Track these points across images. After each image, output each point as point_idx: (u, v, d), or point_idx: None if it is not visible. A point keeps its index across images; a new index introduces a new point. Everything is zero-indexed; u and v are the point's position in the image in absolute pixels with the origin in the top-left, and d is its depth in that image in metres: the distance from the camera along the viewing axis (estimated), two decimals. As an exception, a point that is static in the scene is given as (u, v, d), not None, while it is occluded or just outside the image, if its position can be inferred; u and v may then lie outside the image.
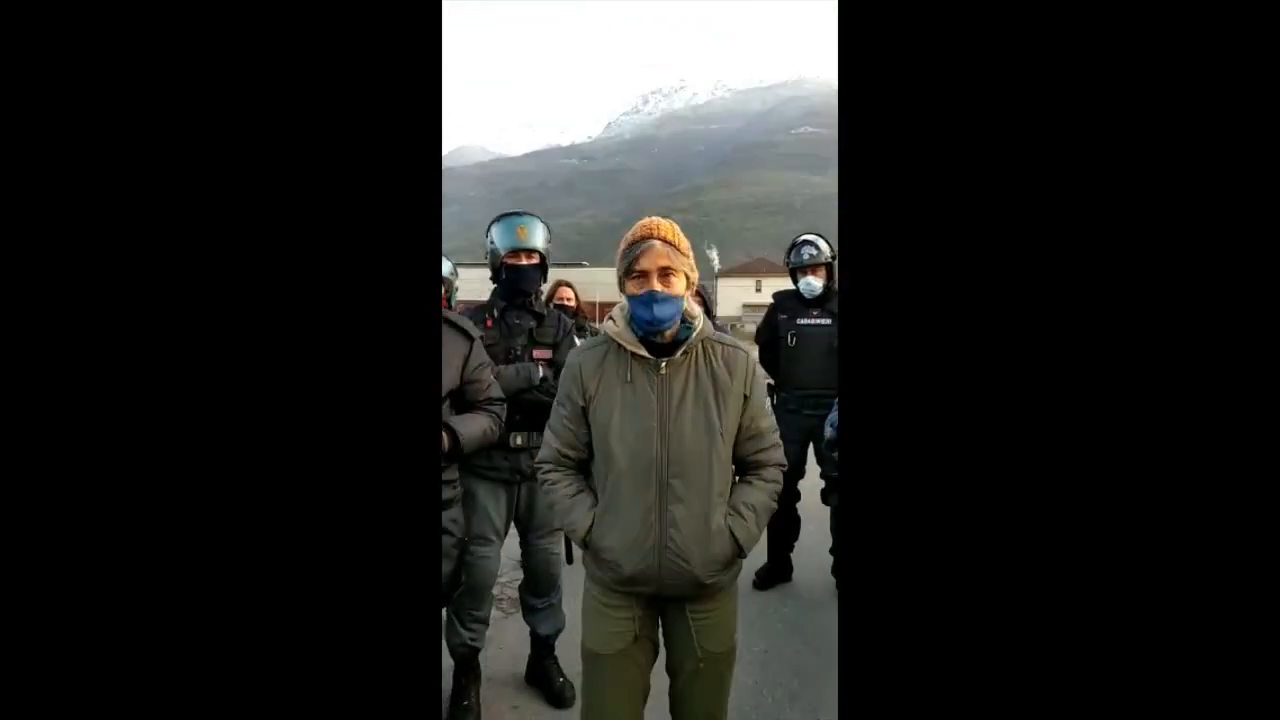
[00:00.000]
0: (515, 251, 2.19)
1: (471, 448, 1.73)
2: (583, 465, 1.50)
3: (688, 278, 1.38)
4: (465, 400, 1.80)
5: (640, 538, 1.35)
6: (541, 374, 2.16)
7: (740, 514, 1.40)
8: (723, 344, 1.43)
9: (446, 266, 2.71)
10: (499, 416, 1.84)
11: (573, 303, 3.48)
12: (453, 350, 1.74)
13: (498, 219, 2.27)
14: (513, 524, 2.25)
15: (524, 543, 2.28)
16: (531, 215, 2.25)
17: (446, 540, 1.69)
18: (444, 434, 1.66)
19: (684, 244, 1.39)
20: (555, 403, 1.50)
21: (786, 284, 3.33)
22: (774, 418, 1.49)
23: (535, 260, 2.22)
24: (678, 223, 1.41)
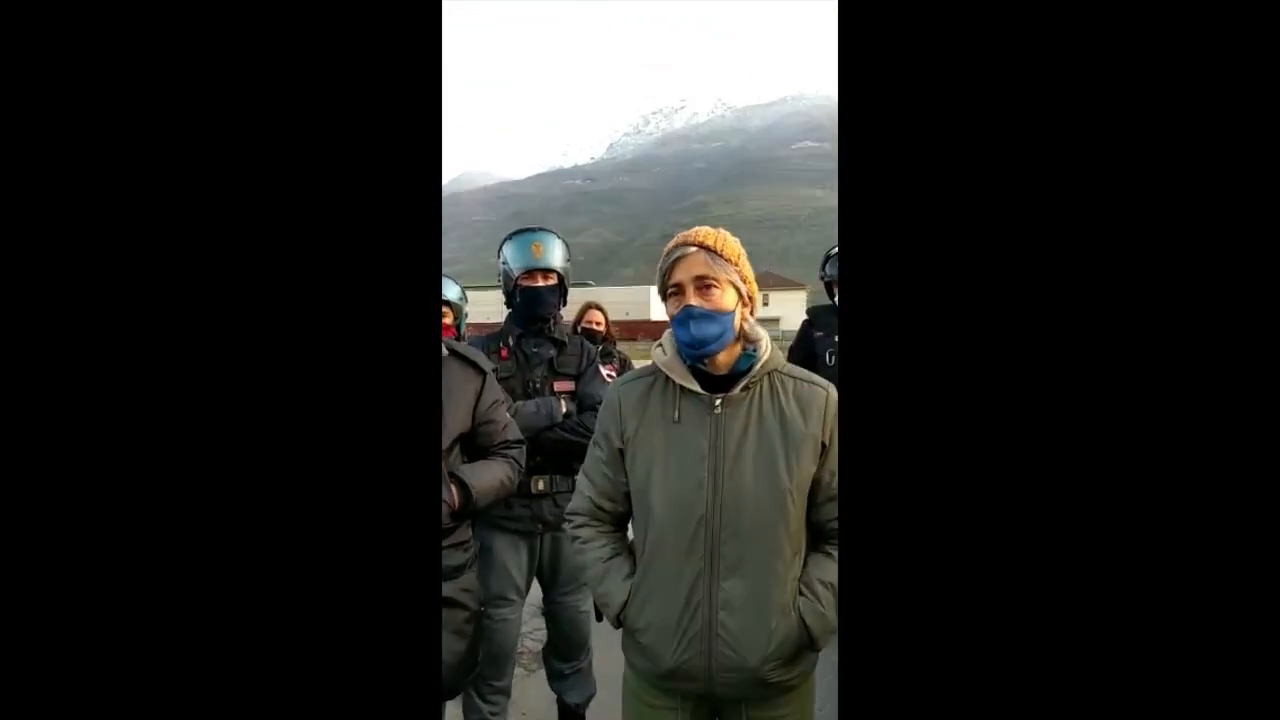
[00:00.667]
0: (530, 271, 1.95)
1: (486, 501, 1.48)
2: (622, 520, 1.25)
3: (739, 290, 1.13)
4: (478, 445, 1.55)
5: (682, 620, 1.09)
6: (565, 409, 1.91)
7: (814, 594, 1.12)
8: (795, 378, 1.15)
9: (454, 290, 2.48)
10: (518, 462, 1.59)
11: (602, 327, 3.13)
12: (461, 388, 1.50)
13: (511, 236, 2.04)
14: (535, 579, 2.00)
15: (548, 600, 2.02)
16: (548, 231, 2.02)
17: (458, 615, 1.43)
18: (453, 487, 1.42)
19: (731, 250, 1.12)
20: (591, 443, 1.26)
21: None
22: None
23: (553, 280, 1.98)
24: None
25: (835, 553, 1.16)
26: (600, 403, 2.03)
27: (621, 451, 1.18)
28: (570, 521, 1.27)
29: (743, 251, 1.16)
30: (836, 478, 1.13)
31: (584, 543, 1.23)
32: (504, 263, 2.01)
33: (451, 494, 1.40)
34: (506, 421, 1.61)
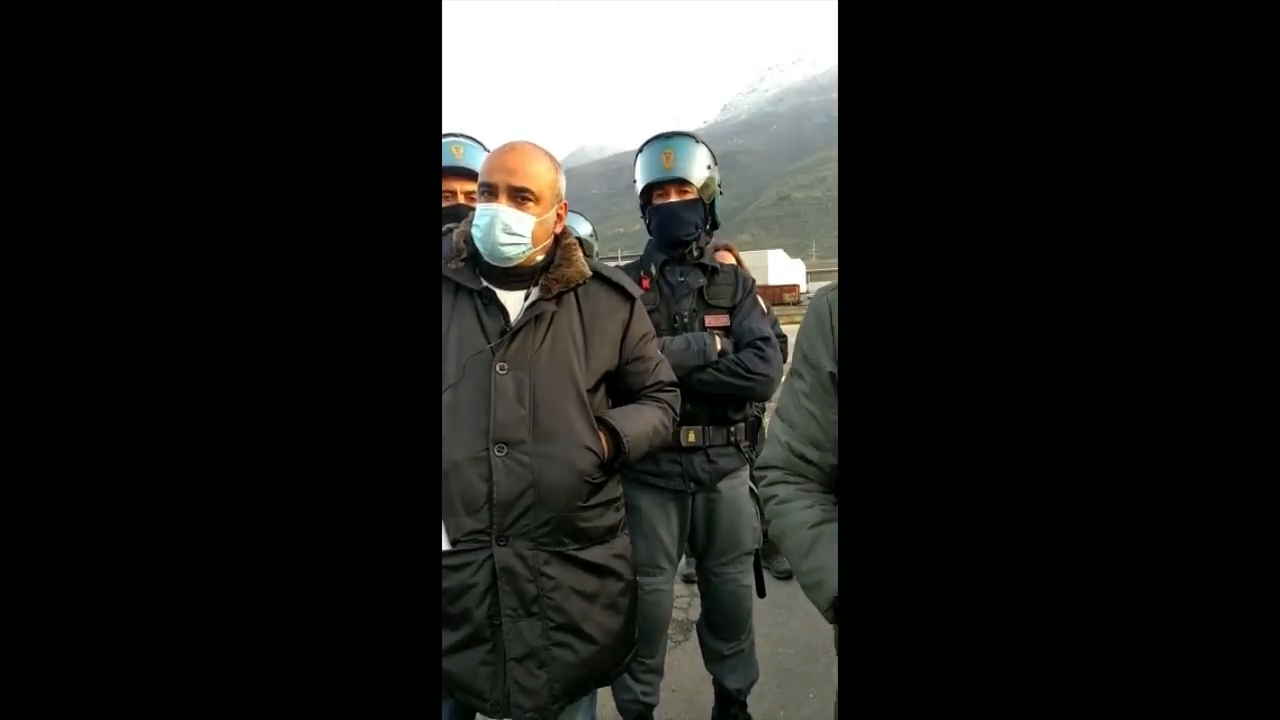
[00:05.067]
0: (662, 185, 1.64)
1: (640, 453, 1.22)
2: (834, 477, 0.93)
3: None
4: (627, 386, 1.29)
5: None
6: (719, 346, 1.60)
7: None
8: None
9: (585, 227, 2.25)
10: (672, 408, 1.31)
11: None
12: (607, 316, 1.23)
13: (644, 146, 1.73)
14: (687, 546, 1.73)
15: (702, 570, 1.75)
16: (685, 135, 1.68)
17: (612, 586, 1.20)
18: (601, 435, 1.17)
19: None
20: (788, 372, 0.96)
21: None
22: None
23: (689, 195, 1.65)
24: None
25: None
26: (762, 339, 1.72)
27: (835, 378, 0.86)
28: (762, 477, 0.96)
29: None
30: None
31: (780, 503, 0.92)
32: (635, 180, 1.71)
33: (601, 443, 1.16)
34: (659, 359, 1.33)
